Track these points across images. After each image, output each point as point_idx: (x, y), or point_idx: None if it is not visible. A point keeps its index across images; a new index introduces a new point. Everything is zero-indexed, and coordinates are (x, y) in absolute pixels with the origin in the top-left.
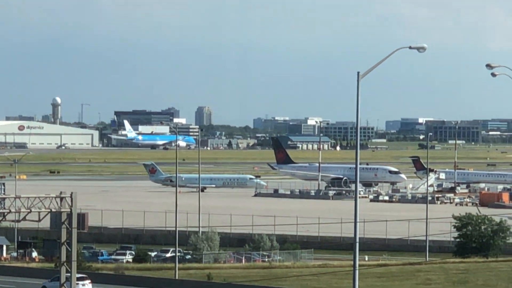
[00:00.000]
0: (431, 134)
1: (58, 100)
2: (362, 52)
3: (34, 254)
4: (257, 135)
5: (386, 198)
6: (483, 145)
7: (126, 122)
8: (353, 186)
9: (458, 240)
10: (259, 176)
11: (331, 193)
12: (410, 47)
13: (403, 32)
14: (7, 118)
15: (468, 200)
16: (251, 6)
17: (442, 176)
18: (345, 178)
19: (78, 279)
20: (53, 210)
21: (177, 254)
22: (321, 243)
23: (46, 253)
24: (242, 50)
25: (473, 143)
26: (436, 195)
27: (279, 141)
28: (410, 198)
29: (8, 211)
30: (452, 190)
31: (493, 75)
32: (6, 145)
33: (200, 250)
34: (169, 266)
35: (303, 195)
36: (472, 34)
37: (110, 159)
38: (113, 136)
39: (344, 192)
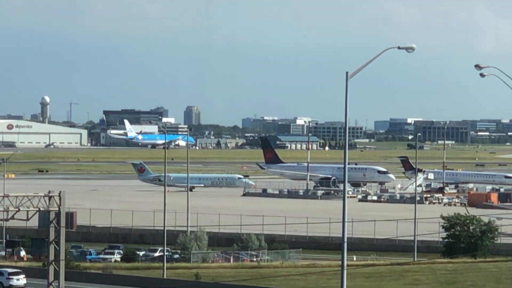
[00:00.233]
0: (419, 134)
1: (47, 99)
2: (351, 52)
3: (22, 253)
4: (246, 134)
5: (375, 198)
6: (472, 145)
7: (126, 122)
8: (341, 186)
9: (446, 240)
10: (248, 176)
11: (319, 193)
12: (398, 48)
13: (392, 33)
14: None
15: (456, 200)
16: (240, 6)
17: (431, 176)
18: (333, 178)
19: (13, 274)
20: (41, 209)
21: (165, 253)
22: (310, 243)
23: (34, 252)
24: (231, 50)
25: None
26: (425, 195)
27: (267, 141)
28: (398, 198)
29: None
30: (440, 190)
31: (482, 75)
32: None
33: (188, 250)
34: (157, 266)
35: (292, 194)
36: (461, 34)
37: (99, 158)
38: (112, 135)
39: (332, 192)
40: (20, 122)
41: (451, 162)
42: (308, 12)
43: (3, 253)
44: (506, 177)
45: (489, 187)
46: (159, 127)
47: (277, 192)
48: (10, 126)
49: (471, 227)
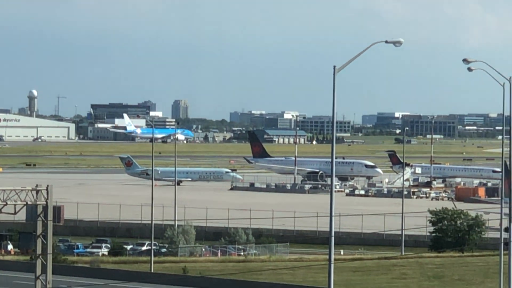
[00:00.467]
0: (407, 128)
1: (35, 93)
2: (338, 46)
3: (10, 247)
4: (234, 128)
5: (362, 192)
6: (459, 139)
7: (125, 116)
8: (329, 180)
9: (433, 234)
10: (235, 170)
11: (307, 187)
12: (386, 42)
13: (379, 27)
14: None
15: (444, 194)
16: (228, 0)
17: (418, 170)
18: (321, 172)
19: None
20: (29, 202)
21: (153, 247)
22: (297, 237)
23: (22, 245)
24: (218, 44)
25: (449, 137)
26: (412, 190)
27: (255, 135)
28: (386, 192)
29: None
30: (428, 184)
31: (470, 70)
32: None
33: (176, 244)
34: (145, 259)
35: (279, 189)
36: (449, 29)
37: (86, 152)
38: (112, 129)
39: (320, 186)
40: (8, 116)
41: (438, 156)
42: (295, 7)
43: None
44: (494, 171)
45: (476, 181)
46: (146, 121)
47: (265, 186)
48: None
49: (458, 222)
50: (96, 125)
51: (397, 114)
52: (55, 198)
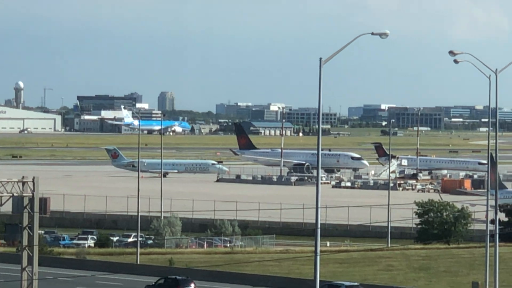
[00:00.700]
0: (393, 120)
1: (21, 84)
2: (325, 38)
3: None
4: (220, 120)
5: (348, 184)
6: (445, 131)
7: (123, 108)
8: (315, 172)
9: (419, 226)
10: (222, 162)
11: (293, 179)
12: (372, 33)
13: (366, 19)
14: None
15: (430, 186)
16: None
17: (404, 162)
18: (307, 164)
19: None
20: (15, 194)
21: (139, 239)
22: (283, 229)
23: (8, 237)
24: (205, 36)
25: (435, 129)
26: (398, 182)
27: (241, 127)
28: (372, 184)
29: None
30: (414, 176)
31: (456, 62)
32: None
33: (162, 235)
34: (131, 251)
35: (265, 180)
36: (436, 21)
37: (73, 144)
38: (111, 121)
39: (306, 178)
40: None
41: (424, 148)
42: None
43: None
44: (480, 163)
45: (462, 173)
46: (133, 113)
47: (251, 178)
48: None
49: (444, 213)
50: (82, 117)
51: (383, 106)
52: (41, 189)
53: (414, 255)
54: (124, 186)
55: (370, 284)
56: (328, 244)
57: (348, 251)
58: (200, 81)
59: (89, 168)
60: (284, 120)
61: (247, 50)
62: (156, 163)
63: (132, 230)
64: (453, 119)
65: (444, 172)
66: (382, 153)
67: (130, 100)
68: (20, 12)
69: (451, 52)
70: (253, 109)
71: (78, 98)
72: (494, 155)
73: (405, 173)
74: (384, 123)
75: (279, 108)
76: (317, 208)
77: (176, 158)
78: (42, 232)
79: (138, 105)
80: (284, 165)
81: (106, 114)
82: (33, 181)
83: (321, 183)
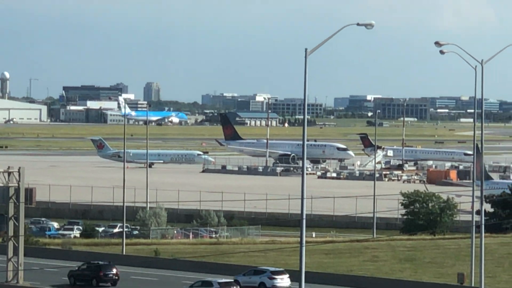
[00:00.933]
0: (379, 111)
1: (7, 75)
2: (310, 29)
3: None
4: (205, 111)
5: (334, 175)
6: (431, 122)
7: (120, 98)
8: (300, 163)
9: (405, 217)
10: (207, 152)
11: (278, 169)
12: (358, 24)
13: (352, 9)
14: None
15: (415, 177)
16: None
17: (390, 153)
18: (293, 154)
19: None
20: (0, 184)
21: (125, 229)
22: (269, 219)
23: None
24: (190, 26)
25: (421, 120)
26: (384, 172)
27: (227, 117)
28: (357, 175)
29: None
30: (399, 167)
31: (442, 52)
32: None
33: (147, 226)
34: (117, 242)
35: (251, 171)
36: (422, 12)
37: (58, 134)
38: (109, 113)
39: (292, 168)
40: None
41: (410, 139)
42: None
43: None
44: (465, 154)
45: (448, 164)
46: (118, 103)
47: (237, 168)
48: None
49: (430, 204)
50: (68, 107)
51: (369, 97)
52: (27, 180)
53: (400, 246)
54: (110, 177)
55: (356, 275)
56: (313, 235)
57: (334, 242)
58: (186, 72)
59: (75, 159)
60: (269, 111)
61: (233, 41)
62: (141, 154)
63: (118, 221)
64: (438, 110)
65: (430, 162)
66: (368, 144)
67: (116, 90)
68: (5, 2)
69: (437, 43)
70: (239, 99)
71: (64, 88)
72: (479, 146)
73: (391, 163)
74: (370, 114)
75: (264, 98)
76: (302, 198)
77: (161, 148)
78: (28, 221)
79: (124, 96)
80: (269, 156)
81: (91, 104)
82: (18, 172)
83: (307, 174)
